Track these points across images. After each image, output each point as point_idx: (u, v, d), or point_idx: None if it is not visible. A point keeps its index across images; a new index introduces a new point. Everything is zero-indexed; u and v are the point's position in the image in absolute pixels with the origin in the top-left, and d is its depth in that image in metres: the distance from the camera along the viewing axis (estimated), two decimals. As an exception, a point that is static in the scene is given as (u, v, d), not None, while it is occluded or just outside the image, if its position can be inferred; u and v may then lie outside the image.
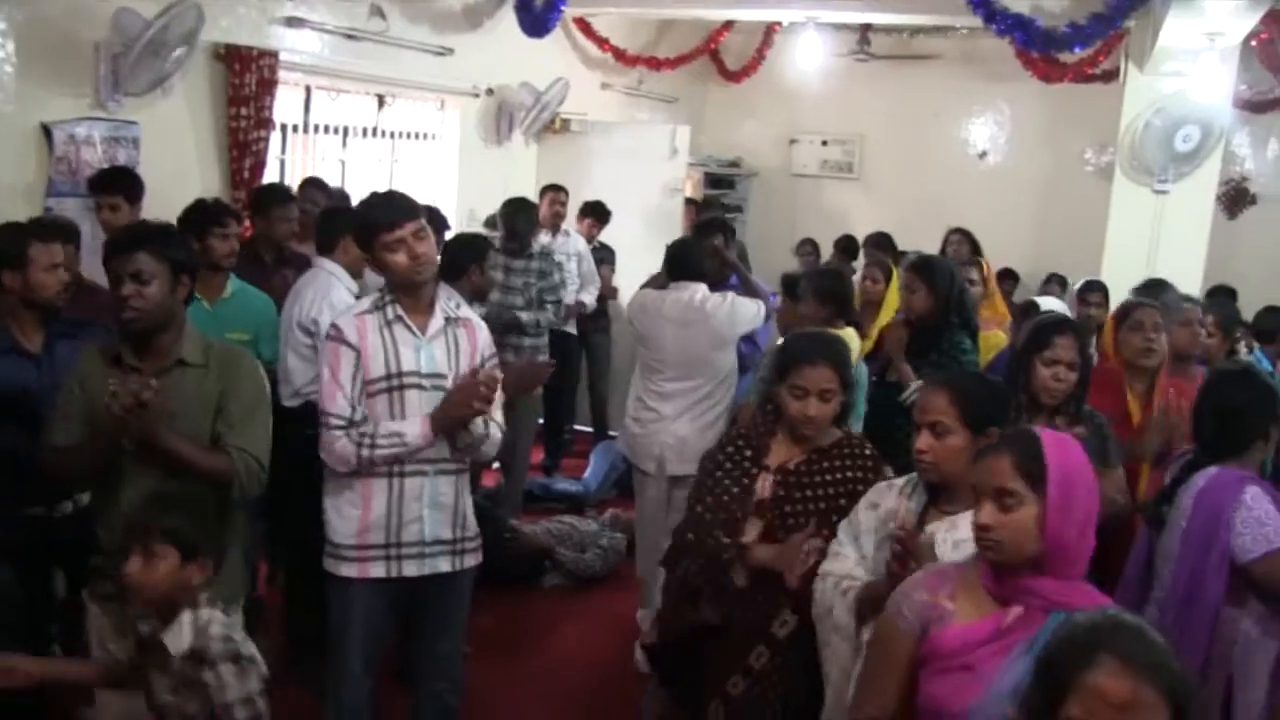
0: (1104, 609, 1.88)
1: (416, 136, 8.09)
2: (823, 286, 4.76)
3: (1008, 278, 8.72)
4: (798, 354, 3.20)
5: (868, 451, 3.23)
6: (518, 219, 6.38)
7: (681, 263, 5.18)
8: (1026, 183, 10.17)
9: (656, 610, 3.67)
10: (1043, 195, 10.04)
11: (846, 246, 9.29)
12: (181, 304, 3.08)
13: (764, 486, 3.17)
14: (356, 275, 4.55)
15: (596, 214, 8.14)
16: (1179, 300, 4.99)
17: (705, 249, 5.41)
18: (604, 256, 8.12)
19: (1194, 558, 3.10)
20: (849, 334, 4.63)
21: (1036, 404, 3.57)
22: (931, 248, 7.49)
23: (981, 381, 2.94)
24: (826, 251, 9.47)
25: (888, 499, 2.86)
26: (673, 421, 5.00)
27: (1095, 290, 5.92)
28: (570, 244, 7.71)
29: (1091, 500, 2.13)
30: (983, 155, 10.58)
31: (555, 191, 7.85)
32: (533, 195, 8.20)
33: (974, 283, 6.15)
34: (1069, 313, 5.63)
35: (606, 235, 8.21)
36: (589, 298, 7.69)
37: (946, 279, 4.76)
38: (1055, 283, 8.31)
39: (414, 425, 3.30)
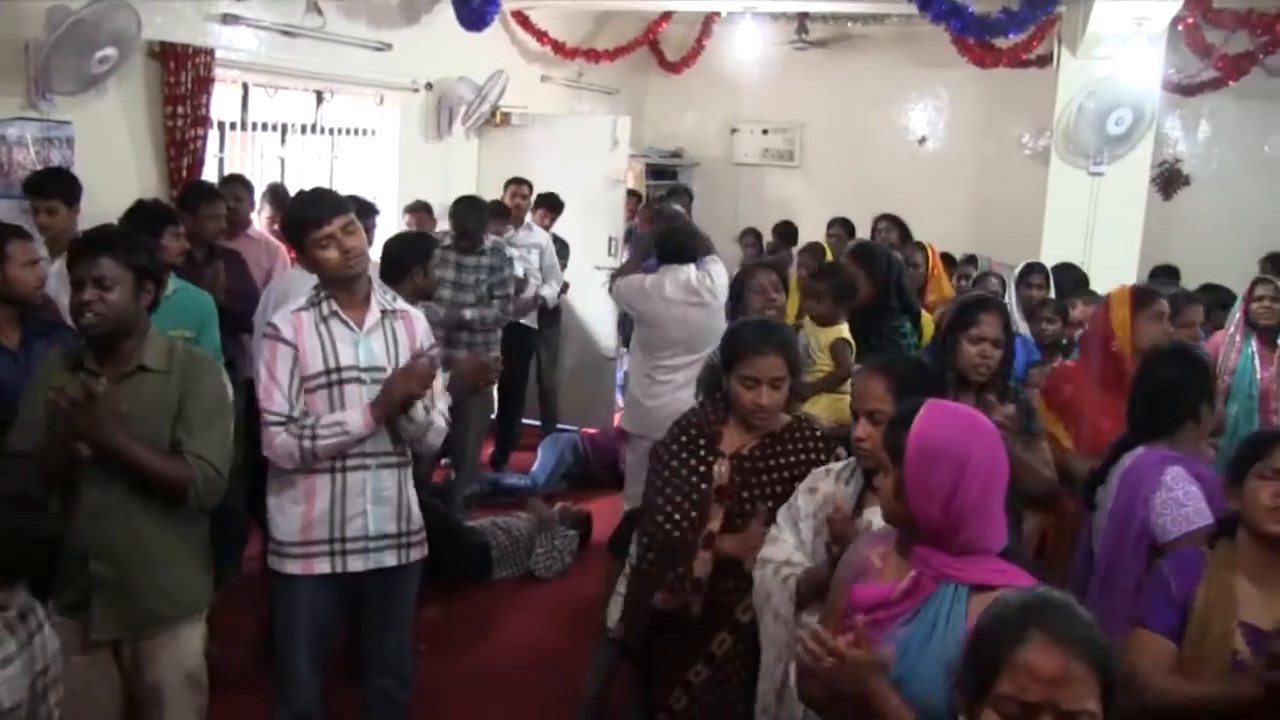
0: (1032, 587, 1.88)
1: (356, 133, 8.05)
2: (841, 285, 4.81)
3: (950, 264, 8.79)
4: (746, 344, 3.19)
5: (818, 433, 3.24)
6: (469, 217, 6.36)
7: (673, 248, 5.40)
8: (965, 168, 10.26)
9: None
10: (982, 180, 10.13)
11: (785, 233, 9.37)
12: (145, 310, 3.06)
13: (721, 473, 3.17)
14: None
15: (549, 205, 8.16)
16: (1183, 297, 4.98)
17: (690, 232, 5.62)
18: (558, 249, 8.09)
19: (1115, 539, 3.11)
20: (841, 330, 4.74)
21: (964, 381, 3.57)
22: (870, 232, 7.60)
23: (918, 367, 2.94)
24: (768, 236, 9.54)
25: (825, 484, 2.88)
26: (685, 388, 5.07)
27: (1036, 272, 6.00)
28: (532, 236, 7.70)
29: (958, 481, 2.08)
30: (922, 141, 10.66)
31: (518, 184, 7.86)
32: (474, 189, 8.20)
33: (917, 266, 6.24)
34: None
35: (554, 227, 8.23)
36: (550, 292, 7.65)
37: (884, 264, 4.81)
38: (970, 264, 8.38)
39: (355, 414, 3.30)
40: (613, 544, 4.34)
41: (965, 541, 2.10)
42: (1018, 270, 6.07)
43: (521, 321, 7.41)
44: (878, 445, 2.66)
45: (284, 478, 3.39)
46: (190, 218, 5.19)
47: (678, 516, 3.18)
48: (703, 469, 3.20)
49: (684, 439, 3.29)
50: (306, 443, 3.27)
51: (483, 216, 6.47)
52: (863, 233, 7.94)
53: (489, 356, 5.66)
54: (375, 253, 4.80)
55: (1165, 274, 7.43)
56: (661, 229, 5.70)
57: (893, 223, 7.60)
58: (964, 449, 2.10)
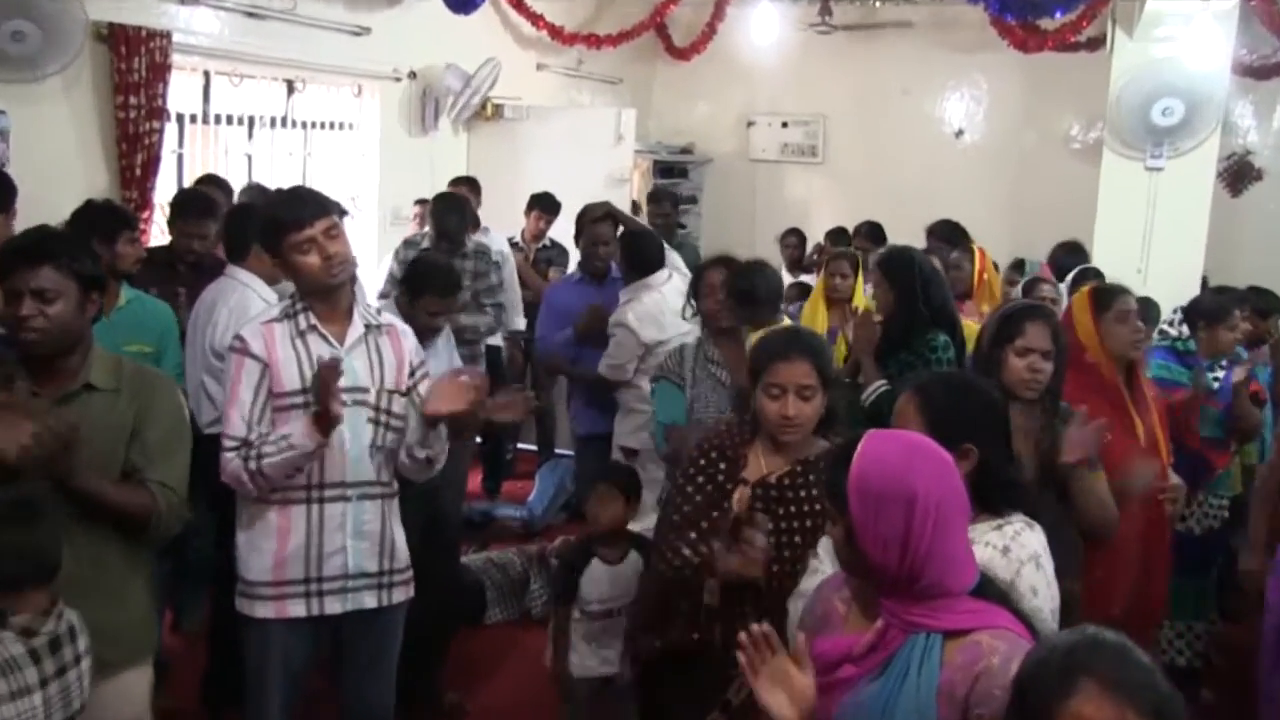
0: (1081, 628, 1.82)
1: (331, 126, 8.07)
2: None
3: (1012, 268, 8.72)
4: (770, 350, 3.20)
5: None
6: (449, 217, 6.34)
7: (644, 256, 5.54)
8: (1006, 164, 10.26)
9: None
10: (1025, 177, 10.12)
11: (838, 239, 9.27)
12: (89, 323, 3.02)
13: (740, 502, 3.14)
14: (273, 283, 4.51)
15: (544, 206, 8.09)
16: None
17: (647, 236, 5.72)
18: (553, 257, 8.09)
19: None
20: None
21: (1010, 398, 3.46)
22: (904, 236, 7.51)
23: (955, 388, 2.88)
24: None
25: None
26: None
27: (1089, 278, 5.96)
28: (492, 242, 7.58)
29: (908, 521, 2.07)
30: (958, 135, 10.66)
31: (463, 185, 7.76)
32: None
33: (960, 269, 6.18)
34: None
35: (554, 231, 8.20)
36: (519, 323, 7.44)
37: (907, 270, 4.77)
38: (1017, 270, 8.32)
39: (298, 425, 3.23)
40: (557, 587, 4.34)
41: (927, 585, 2.09)
42: (1070, 278, 6.02)
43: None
44: None
45: (254, 510, 3.37)
46: (174, 229, 5.16)
47: (687, 552, 3.16)
48: (718, 496, 3.19)
49: (703, 462, 3.28)
50: (251, 464, 3.24)
51: (465, 216, 6.47)
52: (901, 235, 7.86)
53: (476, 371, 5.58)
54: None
55: (1071, 251, 7.14)
56: (624, 236, 5.76)
57: (944, 238, 7.35)
58: (907, 484, 2.08)
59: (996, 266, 7.78)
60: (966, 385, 2.91)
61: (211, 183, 6.04)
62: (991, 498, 2.64)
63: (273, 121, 7.57)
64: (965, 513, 2.16)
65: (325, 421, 3.19)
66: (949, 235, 7.27)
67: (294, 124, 7.75)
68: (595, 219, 6.15)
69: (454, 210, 6.41)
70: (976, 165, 10.43)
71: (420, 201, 7.69)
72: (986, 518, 2.62)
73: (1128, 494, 3.72)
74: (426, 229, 6.64)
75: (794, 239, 9.42)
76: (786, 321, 4.79)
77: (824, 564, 2.87)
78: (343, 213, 6.18)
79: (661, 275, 5.53)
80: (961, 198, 9.60)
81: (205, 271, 5.15)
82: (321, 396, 3.16)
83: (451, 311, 4.95)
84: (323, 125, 8.00)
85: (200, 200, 5.34)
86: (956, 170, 10.40)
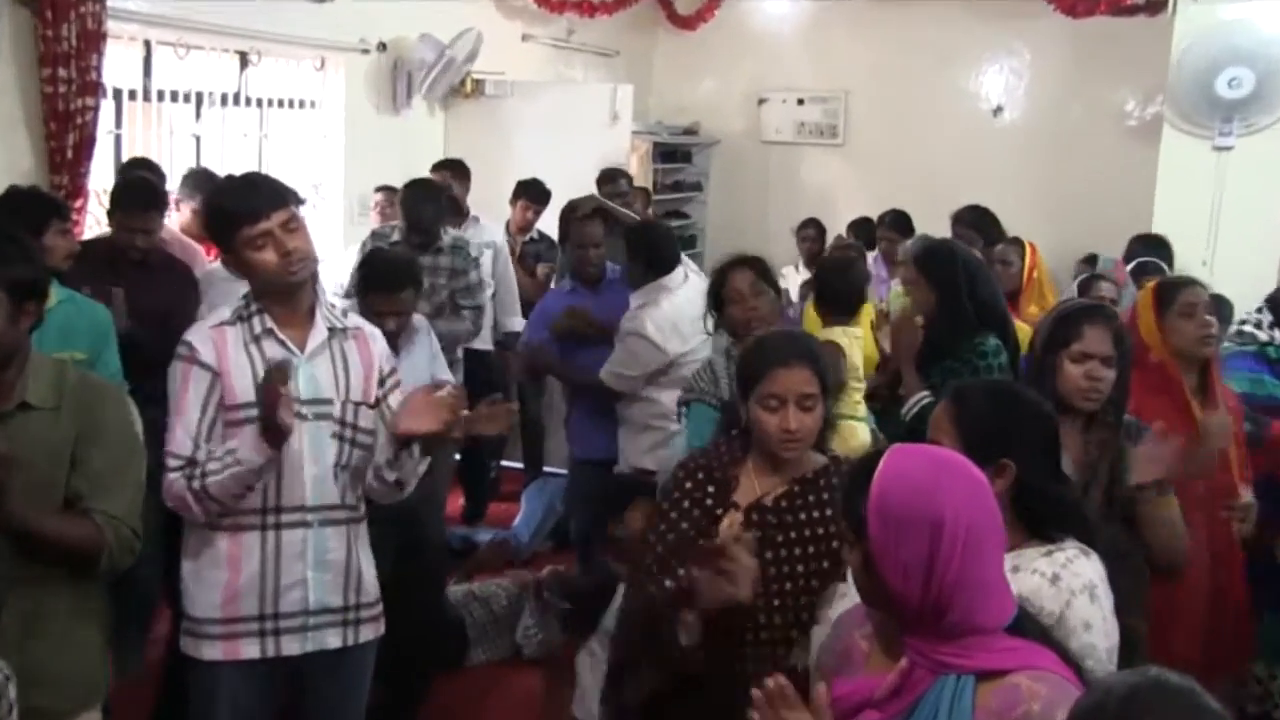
0: (1143, 669, 1.78)
1: (290, 104, 8.06)
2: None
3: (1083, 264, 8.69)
4: (766, 356, 3.18)
5: None
6: (422, 207, 6.32)
7: (661, 251, 5.49)
8: (1052, 144, 10.20)
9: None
10: (1073, 159, 10.07)
11: (862, 231, 9.24)
12: (25, 334, 3.00)
13: (731, 529, 3.07)
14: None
15: (532, 194, 8.09)
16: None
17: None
18: (542, 251, 8.09)
19: None
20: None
21: (1066, 410, 3.50)
22: (935, 226, 7.50)
23: (995, 396, 2.88)
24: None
25: None
26: None
27: (1149, 272, 5.93)
28: (482, 233, 7.60)
29: (934, 549, 2.06)
30: (997, 112, 10.61)
31: (440, 171, 7.76)
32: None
33: (1010, 265, 6.15)
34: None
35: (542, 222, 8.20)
36: (516, 324, 7.49)
37: (948, 265, 4.74)
38: (1089, 264, 8.31)
39: (244, 438, 3.21)
40: (570, 619, 4.30)
41: (956, 620, 2.08)
42: (1128, 270, 5.98)
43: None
44: None
45: (201, 537, 3.36)
46: (115, 221, 5.13)
47: (668, 583, 3.12)
48: (705, 523, 3.17)
49: (689, 485, 3.26)
50: (195, 483, 3.22)
51: (440, 206, 6.46)
52: (931, 225, 7.84)
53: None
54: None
55: (1151, 246, 7.11)
56: (632, 229, 5.68)
57: (972, 226, 7.32)
58: (933, 505, 2.07)
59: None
60: (1008, 394, 2.92)
61: (142, 167, 6.00)
62: (1040, 520, 2.66)
63: (224, 99, 7.51)
64: (1000, 538, 2.15)
65: (274, 433, 3.16)
66: (978, 224, 7.29)
67: (248, 102, 7.69)
68: (583, 216, 6.09)
69: (428, 199, 6.38)
70: (1017, 146, 10.38)
71: (383, 189, 7.64)
72: (1035, 543, 2.64)
73: (1188, 470, 3.64)
74: (396, 221, 6.59)
75: (812, 230, 9.38)
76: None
77: (851, 590, 2.83)
78: (300, 201, 6.15)
79: (678, 275, 5.47)
80: (1000, 183, 9.58)
81: (151, 270, 5.12)
82: (267, 402, 3.12)
83: (402, 312, 4.87)
84: (280, 103, 7.95)
85: (145, 189, 5.31)
86: (995, 152, 10.36)
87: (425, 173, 7.36)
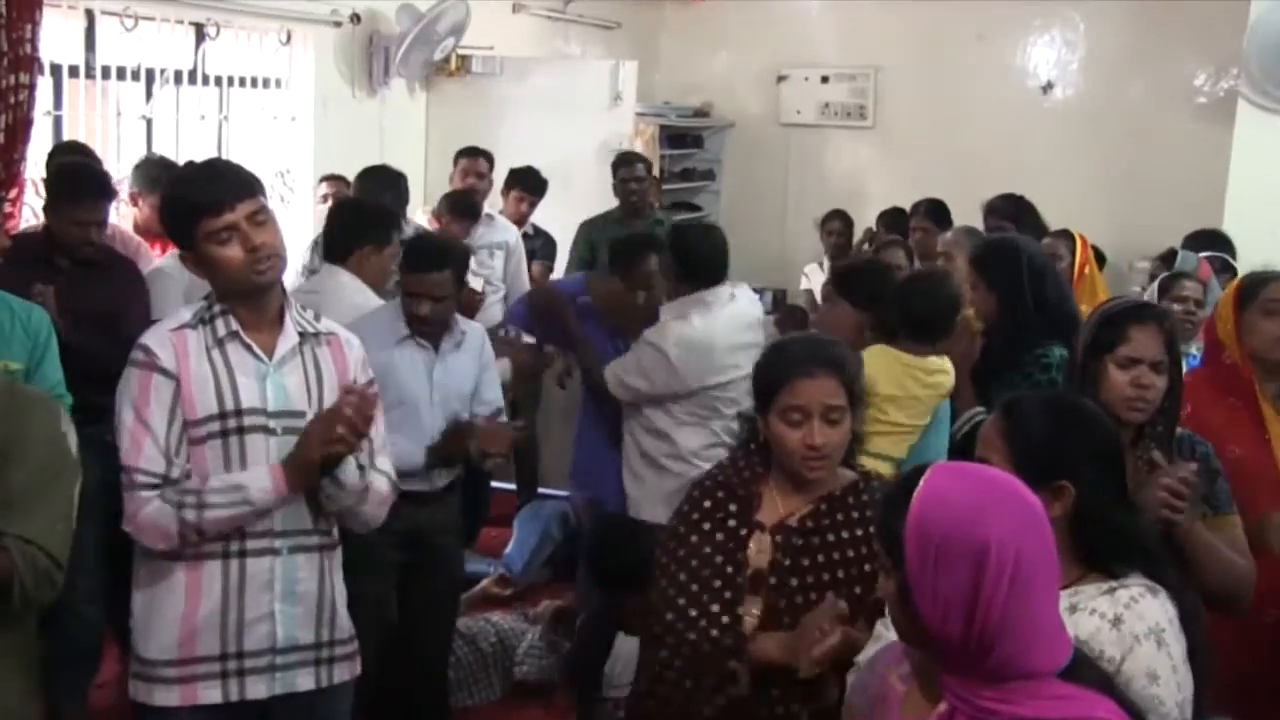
0: None
1: (254, 83, 8.09)
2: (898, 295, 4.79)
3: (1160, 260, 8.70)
4: (787, 364, 3.20)
5: None
6: (382, 194, 6.35)
7: (710, 260, 5.29)
8: (1109, 124, 10.18)
9: None
10: (1133, 140, 10.04)
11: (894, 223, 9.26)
12: None
13: (760, 552, 3.15)
14: (378, 287, 4.78)
15: (527, 184, 8.14)
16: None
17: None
18: (538, 248, 8.12)
19: None
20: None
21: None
22: (974, 219, 7.51)
23: (1053, 410, 2.87)
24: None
25: None
26: None
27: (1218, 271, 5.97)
28: (494, 232, 7.65)
29: (978, 580, 2.06)
30: (1047, 89, 10.60)
31: (472, 157, 7.86)
32: (420, 161, 8.17)
33: (1059, 259, 6.17)
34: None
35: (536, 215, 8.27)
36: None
37: (1011, 264, 4.74)
38: (1164, 264, 8.31)
39: (261, 473, 3.27)
40: (572, 673, 4.32)
41: (1001, 662, 2.07)
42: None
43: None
44: None
45: (155, 567, 3.34)
46: (54, 214, 5.14)
47: (693, 613, 3.15)
48: (732, 545, 3.19)
49: (707, 504, 3.28)
50: (190, 514, 3.21)
51: (400, 195, 6.49)
52: (975, 218, 7.85)
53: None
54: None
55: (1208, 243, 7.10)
56: (677, 228, 5.58)
57: (1007, 217, 7.34)
58: (979, 532, 2.06)
59: (1103, 258, 7.78)
60: (1067, 407, 2.90)
61: (75, 152, 5.99)
62: (1102, 552, 2.64)
63: (178, 77, 7.51)
64: (1054, 572, 2.14)
65: (306, 473, 3.25)
66: (1014, 214, 7.30)
67: (205, 80, 7.70)
68: (634, 255, 5.64)
69: (384, 188, 6.40)
70: (1070, 128, 10.36)
71: (329, 178, 7.62)
72: (1095, 578, 2.62)
73: (1265, 548, 3.67)
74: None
75: (838, 223, 9.38)
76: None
77: (889, 629, 2.85)
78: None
79: (722, 292, 5.27)
80: (1050, 170, 9.58)
81: (94, 268, 5.12)
82: (329, 443, 3.22)
83: (437, 297, 4.74)
84: (242, 82, 7.96)
85: (94, 177, 5.32)
86: (1044, 135, 10.35)
87: (406, 160, 7.38)
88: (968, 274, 4.93)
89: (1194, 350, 5.48)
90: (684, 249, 5.32)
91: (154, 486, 3.24)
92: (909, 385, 4.65)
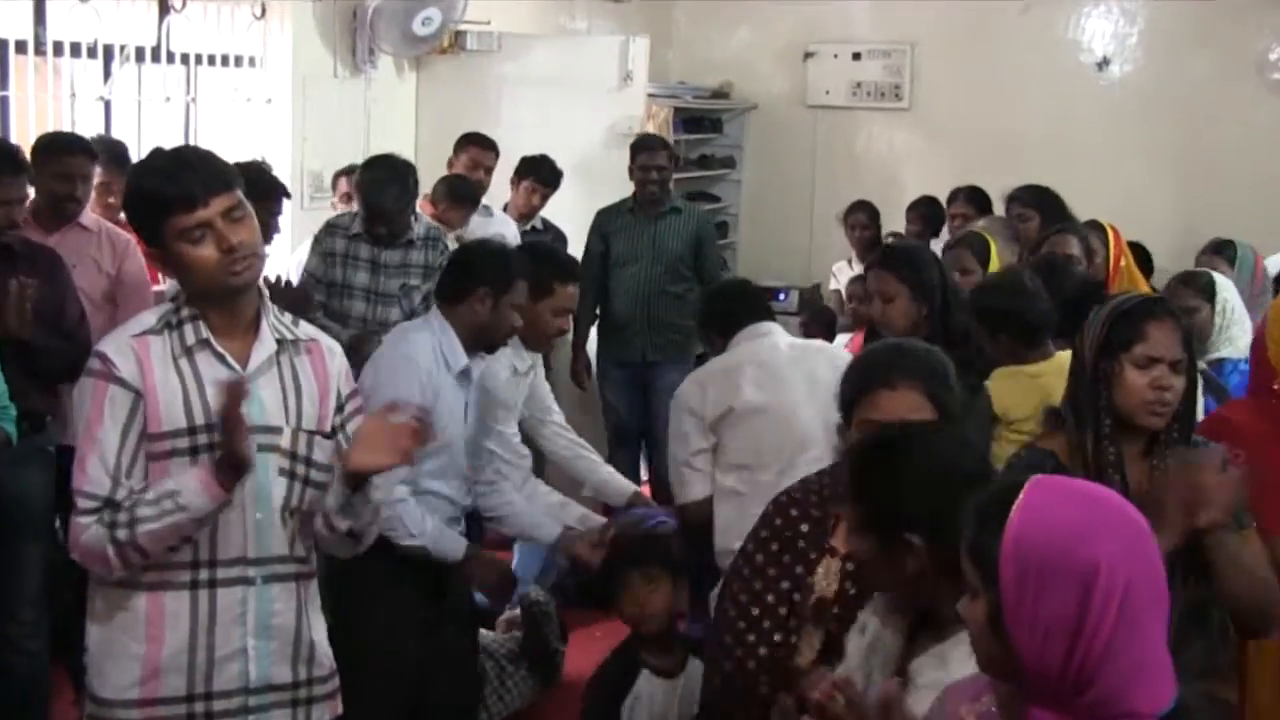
0: None
1: (225, 61, 8.10)
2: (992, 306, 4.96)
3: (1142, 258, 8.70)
4: (868, 374, 3.26)
5: None
6: (385, 191, 6.35)
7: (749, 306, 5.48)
8: (1171, 104, 10.17)
9: None
10: (1198, 122, 10.03)
11: (928, 214, 9.24)
12: None
13: (827, 578, 3.17)
14: (481, 339, 4.84)
15: (541, 175, 8.18)
16: None
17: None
18: (553, 242, 8.06)
19: None
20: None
21: (1126, 427, 3.56)
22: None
23: (891, 454, 2.89)
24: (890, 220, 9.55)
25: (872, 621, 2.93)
26: None
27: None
28: (491, 226, 7.67)
29: (1084, 606, 2.07)
30: (1102, 65, 10.56)
31: (480, 147, 7.87)
32: (410, 149, 8.16)
33: (1094, 254, 6.17)
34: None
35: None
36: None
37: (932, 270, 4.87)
38: (1221, 256, 8.30)
39: (189, 478, 3.20)
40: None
41: (1101, 699, 2.07)
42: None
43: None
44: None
45: (113, 598, 3.33)
46: None
47: (751, 638, 3.22)
48: (800, 570, 3.23)
49: (779, 522, 3.34)
50: (122, 533, 3.18)
51: (406, 188, 6.48)
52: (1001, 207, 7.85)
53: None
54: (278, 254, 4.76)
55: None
56: (710, 292, 5.94)
57: (1030, 205, 7.34)
58: (1087, 554, 2.06)
59: (1149, 258, 7.75)
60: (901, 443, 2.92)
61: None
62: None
63: (139, 54, 7.52)
64: (1164, 602, 2.14)
65: (232, 468, 3.17)
66: (1037, 203, 7.35)
67: (170, 58, 7.71)
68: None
69: (391, 180, 6.40)
70: (1128, 108, 10.34)
71: (347, 171, 7.66)
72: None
73: None
74: (353, 207, 6.61)
75: (863, 215, 9.44)
76: None
77: (954, 652, 2.83)
78: (281, 193, 6.21)
79: (761, 329, 5.40)
80: (1105, 154, 9.61)
81: (23, 260, 5.09)
82: (226, 429, 3.12)
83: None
84: (211, 60, 7.97)
85: (5, 152, 5.33)
86: (1099, 116, 10.32)
87: (395, 147, 7.37)
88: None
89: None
90: (717, 314, 5.56)
91: (94, 510, 3.22)
92: (1035, 401, 4.70)
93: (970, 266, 6.01)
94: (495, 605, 4.85)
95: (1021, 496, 2.12)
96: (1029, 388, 4.73)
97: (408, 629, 4.77)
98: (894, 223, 9.54)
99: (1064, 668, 2.05)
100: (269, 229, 5.86)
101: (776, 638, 3.16)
